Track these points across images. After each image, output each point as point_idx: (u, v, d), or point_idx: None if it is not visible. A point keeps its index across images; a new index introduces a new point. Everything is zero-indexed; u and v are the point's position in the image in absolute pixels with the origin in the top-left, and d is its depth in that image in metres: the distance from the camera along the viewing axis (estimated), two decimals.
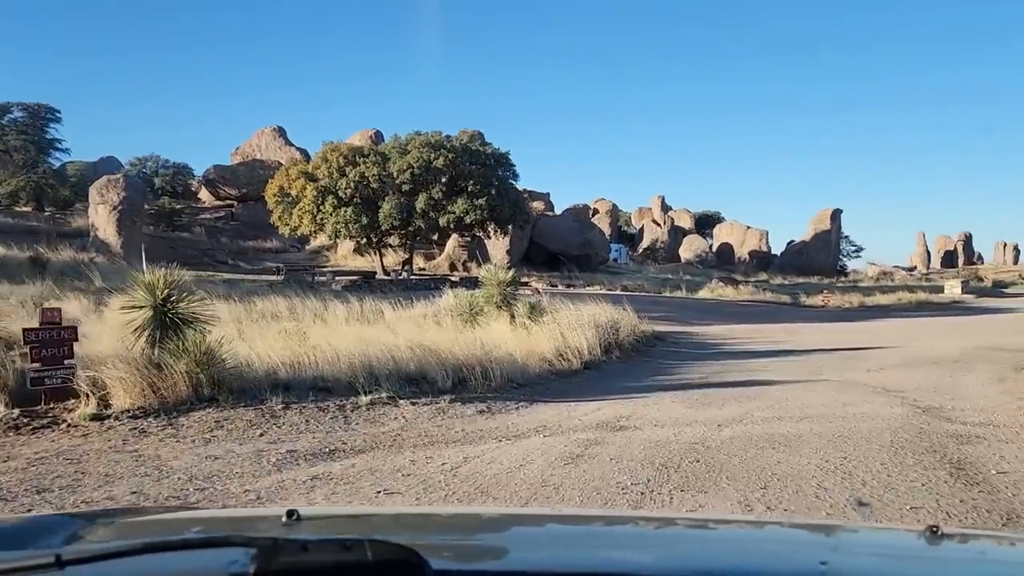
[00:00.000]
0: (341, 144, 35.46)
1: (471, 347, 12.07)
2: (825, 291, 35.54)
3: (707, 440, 7.54)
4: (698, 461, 6.63)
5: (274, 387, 9.45)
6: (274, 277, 34.05)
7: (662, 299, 32.30)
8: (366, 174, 33.82)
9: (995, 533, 3.51)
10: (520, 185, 52.52)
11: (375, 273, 37.06)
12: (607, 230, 79.96)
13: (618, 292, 35.35)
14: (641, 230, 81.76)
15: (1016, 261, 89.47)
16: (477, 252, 43.85)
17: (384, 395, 9.27)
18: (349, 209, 33.48)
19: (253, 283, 28.36)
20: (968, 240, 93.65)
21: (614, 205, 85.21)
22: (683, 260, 71.70)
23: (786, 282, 46.70)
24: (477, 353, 11.42)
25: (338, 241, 44.57)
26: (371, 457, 6.84)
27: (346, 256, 45.60)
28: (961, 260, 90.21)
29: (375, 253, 39.20)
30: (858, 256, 77.19)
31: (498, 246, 45.24)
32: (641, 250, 77.43)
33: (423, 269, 43.40)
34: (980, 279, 54.89)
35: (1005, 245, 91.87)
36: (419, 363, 10.64)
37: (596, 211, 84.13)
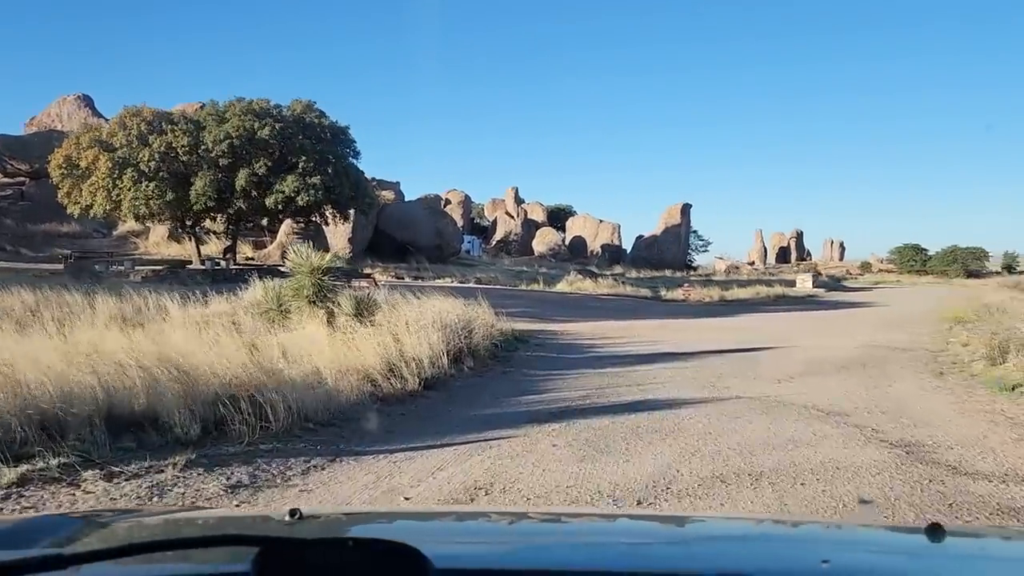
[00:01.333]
0: (144, 108, 29.62)
1: (258, 361, 8.09)
2: (686, 284, 33.88)
3: None
4: None
5: None
6: (56, 266, 27.94)
7: (519, 292, 29.23)
8: (174, 144, 28.26)
9: (997, 530, 3.05)
10: (368, 173, 48.03)
11: (189, 262, 31.55)
12: (460, 221, 76.87)
13: (472, 285, 31.96)
14: (494, 222, 79.21)
15: (842, 257, 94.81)
16: (315, 240, 39.04)
17: (54, 461, 5.16)
18: (152, 184, 27.84)
19: (14, 273, 22.46)
20: (800, 237, 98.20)
21: (467, 196, 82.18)
22: (536, 253, 69.73)
23: (640, 276, 45.27)
24: (260, 372, 7.46)
25: (150, 226, 38.30)
26: None
27: (159, 243, 39.36)
28: (794, 256, 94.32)
29: (190, 239, 33.54)
30: (706, 250, 78.57)
31: (339, 233, 40.59)
32: (495, 242, 74.93)
33: (251, 258, 38.05)
34: (819, 273, 56.37)
35: (832, 242, 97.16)
36: (153, 393, 6.56)
37: (448, 201, 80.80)
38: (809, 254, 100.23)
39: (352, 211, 36.58)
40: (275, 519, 1.56)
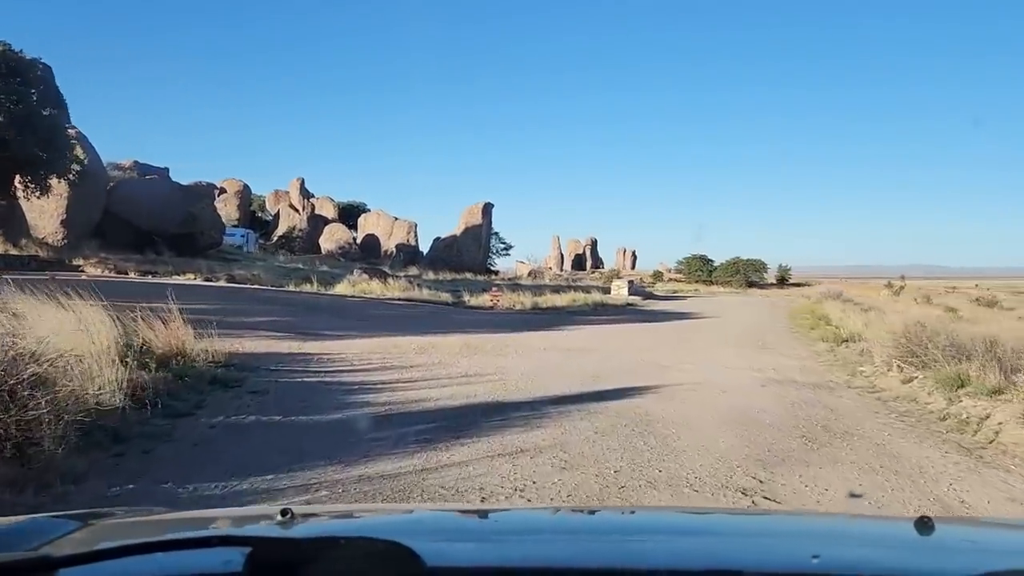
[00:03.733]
0: None
1: None
2: (494, 288, 27.93)
3: None
4: None
5: None
6: None
7: (281, 296, 21.69)
8: None
9: (985, 521, 2.96)
10: (131, 155, 37.79)
11: None
12: (236, 213, 66.79)
13: (222, 284, 23.97)
14: (276, 216, 69.59)
15: (634, 266, 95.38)
16: (7, 220, 28.60)
17: None
18: None
19: None
20: (594, 245, 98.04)
21: (245, 185, 72.33)
22: (324, 251, 61.69)
23: (439, 278, 39.01)
24: None
25: None
26: None
27: None
28: (589, 264, 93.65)
29: None
30: (507, 254, 73.72)
31: (47, 213, 30.32)
32: (276, 238, 65.54)
33: None
34: (632, 281, 53.44)
35: (624, 251, 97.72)
36: None
37: (223, 191, 70.53)
38: (602, 262, 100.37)
39: (63, 182, 26.96)
40: (267, 519, 1.48)
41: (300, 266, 35.16)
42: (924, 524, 1.32)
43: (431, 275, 41.65)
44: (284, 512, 1.30)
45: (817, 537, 1.53)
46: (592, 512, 2.24)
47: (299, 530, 1.30)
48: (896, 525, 1.80)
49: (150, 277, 25.10)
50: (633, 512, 2.41)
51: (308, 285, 25.62)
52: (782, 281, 78.32)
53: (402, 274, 34.55)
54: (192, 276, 25.24)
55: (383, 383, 9.23)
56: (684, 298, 41.16)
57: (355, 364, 10.84)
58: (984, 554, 1.38)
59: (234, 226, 59.30)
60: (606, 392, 9.03)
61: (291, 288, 24.92)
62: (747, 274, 75.56)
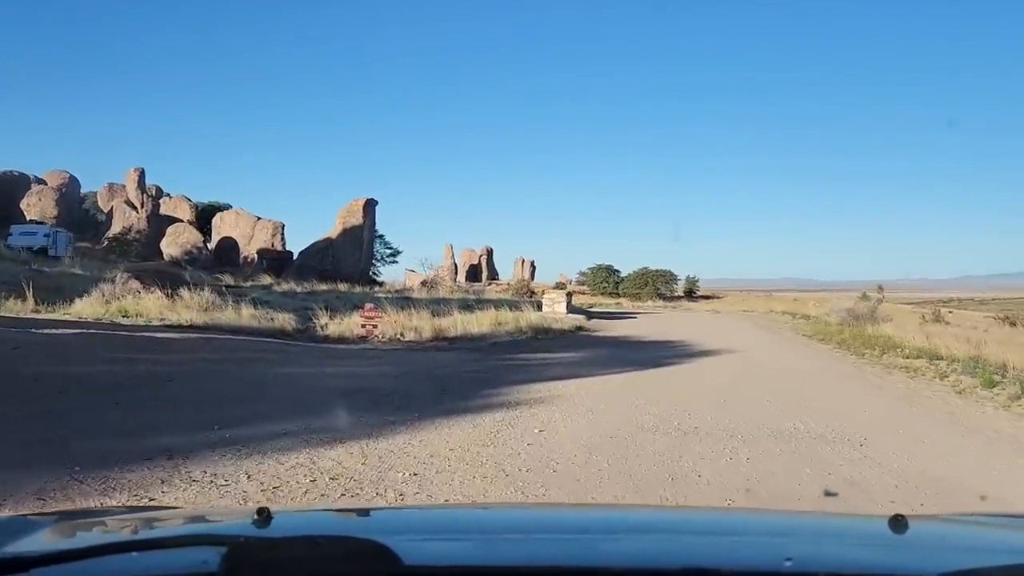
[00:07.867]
0: None
1: None
2: (368, 306, 16.31)
3: None
4: None
5: None
6: None
7: None
8: None
9: (957, 519, 2.47)
10: None
11: None
12: (55, 210, 52.06)
13: None
14: (110, 214, 54.86)
15: (533, 277, 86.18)
16: None
17: None
18: None
19: None
20: (490, 255, 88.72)
21: (72, 178, 57.30)
22: (167, 256, 48.11)
23: (298, 289, 27.12)
24: None
25: None
26: None
27: None
28: (485, 274, 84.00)
29: None
30: (395, 261, 60.80)
31: None
32: (107, 240, 51.05)
33: None
34: (532, 292, 43.28)
35: (523, 261, 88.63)
36: None
37: (44, 182, 55.59)
38: (498, 273, 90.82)
39: None
40: (243, 518, 1.43)
41: (79, 272, 22.38)
42: (897, 522, 1.27)
43: (288, 285, 29.52)
44: (260, 511, 1.22)
45: (792, 535, 1.47)
46: (571, 510, 2.14)
47: (275, 529, 1.23)
48: (870, 523, 1.69)
49: None
50: (611, 510, 2.25)
51: (16, 304, 13.36)
52: (690, 294, 70.84)
53: (243, 284, 22.41)
54: None
55: None
56: (630, 316, 31.02)
57: None
58: (957, 551, 1.32)
59: (38, 223, 44.65)
60: None
61: None
62: (656, 285, 67.43)
